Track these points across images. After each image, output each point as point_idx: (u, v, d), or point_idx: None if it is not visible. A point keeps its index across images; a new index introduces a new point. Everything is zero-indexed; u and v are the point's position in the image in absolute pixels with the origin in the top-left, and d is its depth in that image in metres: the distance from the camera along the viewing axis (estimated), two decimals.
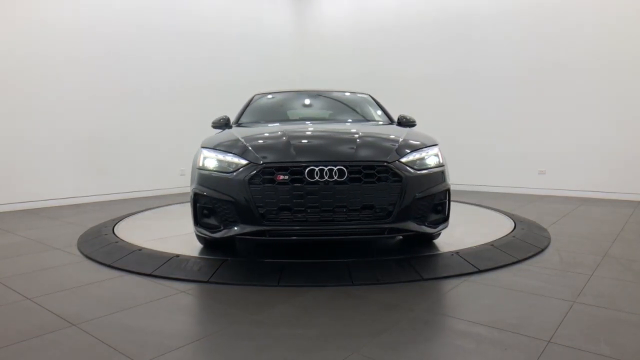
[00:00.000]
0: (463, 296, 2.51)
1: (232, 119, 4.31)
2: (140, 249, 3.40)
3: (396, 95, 8.11)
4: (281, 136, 3.16)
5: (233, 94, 7.33)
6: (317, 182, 2.75)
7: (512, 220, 4.47)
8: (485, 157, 7.56)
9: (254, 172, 2.81)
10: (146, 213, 5.19)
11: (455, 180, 7.71)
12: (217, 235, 2.94)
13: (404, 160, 2.94)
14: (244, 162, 2.89)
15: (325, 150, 2.99)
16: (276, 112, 4.50)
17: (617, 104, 6.41)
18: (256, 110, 4.46)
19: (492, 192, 7.33)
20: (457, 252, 3.20)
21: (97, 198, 6.40)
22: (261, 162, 2.84)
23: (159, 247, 3.45)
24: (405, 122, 4.13)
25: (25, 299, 2.51)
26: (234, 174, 2.88)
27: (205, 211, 2.99)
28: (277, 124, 3.92)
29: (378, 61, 8.61)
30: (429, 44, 8.02)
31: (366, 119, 4.31)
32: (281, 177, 2.78)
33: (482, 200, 6.22)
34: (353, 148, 2.95)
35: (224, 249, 3.42)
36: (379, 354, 1.84)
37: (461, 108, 7.75)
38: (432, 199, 2.99)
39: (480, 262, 3.06)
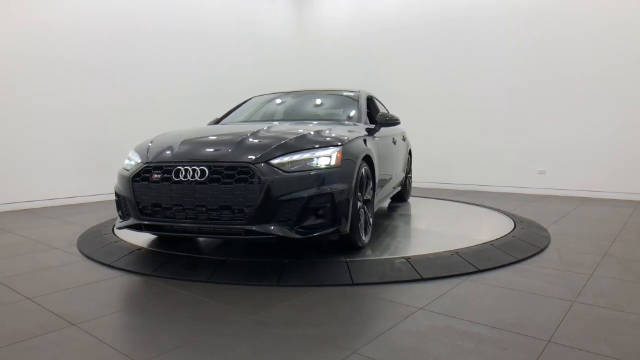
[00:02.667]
0: (463, 296, 2.51)
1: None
2: (140, 249, 3.40)
3: (396, 95, 8.11)
4: (180, 137, 3.35)
5: (233, 95, 7.34)
6: (181, 182, 2.88)
7: (512, 220, 4.47)
8: (485, 157, 7.56)
9: (138, 170, 3.08)
10: None
11: (456, 181, 7.80)
12: (120, 225, 3.22)
13: (275, 161, 2.85)
14: (139, 161, 3.16)
15: (198, 151, 3.08)
16: (256, 112, 4.69)
17: (617, 104, 6.41)
18: (243, 111, 4.76)
19: (492, 192, 7.33)
20: (457, 252, 3.20)
21: (97, 198, 6.40)
22: (146, 161, 3.09)
23: (158, 247, 3.45)
24: (385, 122, 4.12)
25: (25, 299, 2.51)
26: (129, 172, 3.16)
27: (118, 205, 3.34)
28: (232, 124, 4.25)
29: (378, 62, 8.61)
30: (430, 45, 8.02)
31: (335, 117, 4.32)
32: (155, 176, 2.99)
33: (482, 200, 6.23)
34: (229, 149, 2.98)
35: (196, 246, 3.42)
36: (379, 354, 1.84)
37: (461, 108, 7.75)
38: (304, 202, 2.80)
39: (480, 262, 3.06)
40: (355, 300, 2.47)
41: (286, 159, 2.90)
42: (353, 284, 2.71)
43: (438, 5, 7.89)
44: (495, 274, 2.91)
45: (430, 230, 4.26)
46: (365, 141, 3.52)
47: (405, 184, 5.68)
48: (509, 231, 3.95)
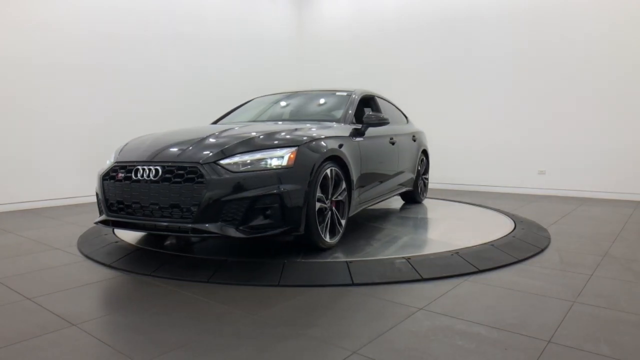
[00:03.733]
0: (463, 296, 2.51)
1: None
2: (140, 249, 3.40)
3: (397, 96, 8.10)
4: (153, 138, 3.47)
5: (234, 95, 7.34)
6: (138, 181, 3.01)
7: (512, 220, 4.46)
8: (485, 157, 7.56)
9: (107, 170, 3.26)
10: None
11: (456, 181, 7.80)
12: (95, 221, 3.35)
13: (224, 162, 2.90)
14: (112, 161, 3.32)
15: (156, 151, 3.17)
16: (250, 113, 4.75)
17: (617, 104, 6.41)
18: (241, 112, 4.85)
19: (492, 192, 7.34)
20: (457, 252, 3.20)
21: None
22: (114, 161, 3.26)
23: (158, 247, 3.45)
24: (374, 122, 4.07)
25: (25, 299, 2.51)
26: (102, 171, 3.31)
27: (97, 201, 3.45)
28: (222, 125, 4.26)
29: (378, 62, 8.61)
30: (430, 45, 8.03)
31: (322, 117, 4.28)
32: (119, 175, 3.14)
33: (482, 200, 6.23)
34: (184, 149, 3.07)
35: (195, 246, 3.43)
36: (379, 354, 1.84)
37: (461, 108, 7.75)
38: (249, 202, 2.83)
39: (480, 262, 3.06)
40: (355, 300, 2.47)
41: (236, 159, 2.94)
42: (353, 284, 2.71)
43: (438, 5, 7.89)
44: (495, 274, 2.91)
45: (430, 230, 4.27)
46: (341, 143, 3.50)
47: (417, 185, 5.61)
48: (509, 231, 3.95)
